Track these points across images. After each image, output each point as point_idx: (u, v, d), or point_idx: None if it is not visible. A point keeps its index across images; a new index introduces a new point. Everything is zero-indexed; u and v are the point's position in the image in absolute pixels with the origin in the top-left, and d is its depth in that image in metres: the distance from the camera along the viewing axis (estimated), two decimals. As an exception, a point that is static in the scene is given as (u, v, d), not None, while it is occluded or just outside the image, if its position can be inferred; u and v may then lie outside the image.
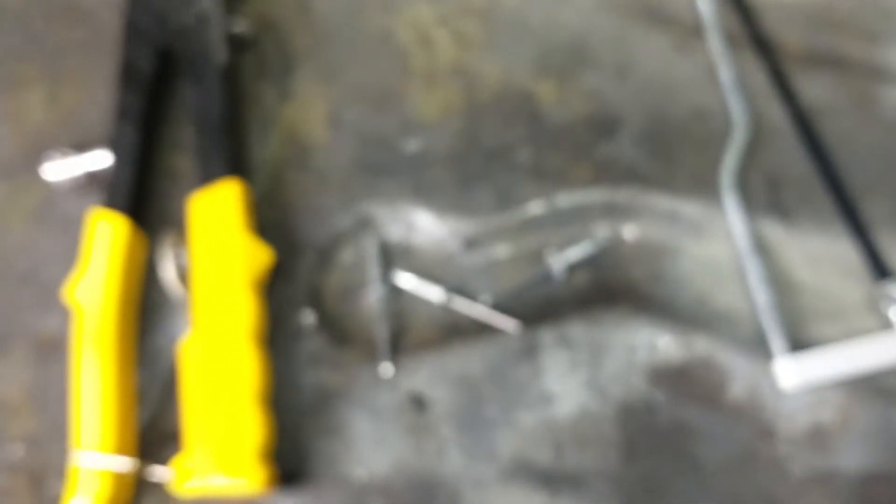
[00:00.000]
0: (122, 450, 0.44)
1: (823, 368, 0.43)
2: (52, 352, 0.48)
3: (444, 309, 0.47)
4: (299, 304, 0.48)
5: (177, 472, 0.43)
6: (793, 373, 0.43)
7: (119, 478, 0.43)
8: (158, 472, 0.44)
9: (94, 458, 0.43)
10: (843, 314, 0.45)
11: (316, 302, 0.48)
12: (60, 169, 0.50)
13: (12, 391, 0.48)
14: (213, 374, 0.44)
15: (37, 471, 0.46)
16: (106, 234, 0.47)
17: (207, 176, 0.48)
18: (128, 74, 0.50)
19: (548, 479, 0.44)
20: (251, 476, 0.42)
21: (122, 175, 0.48)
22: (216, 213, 0.47)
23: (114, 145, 0.49)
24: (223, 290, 0.45)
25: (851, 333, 0.44)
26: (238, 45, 0.52)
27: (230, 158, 0.48)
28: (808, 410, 0.44)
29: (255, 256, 0.46)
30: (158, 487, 0.45)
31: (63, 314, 0.49)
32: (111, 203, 0.48)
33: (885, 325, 0.44)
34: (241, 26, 0.52)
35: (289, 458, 0.45)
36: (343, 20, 0.54)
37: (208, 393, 0.44)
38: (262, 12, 0.54)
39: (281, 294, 0.48)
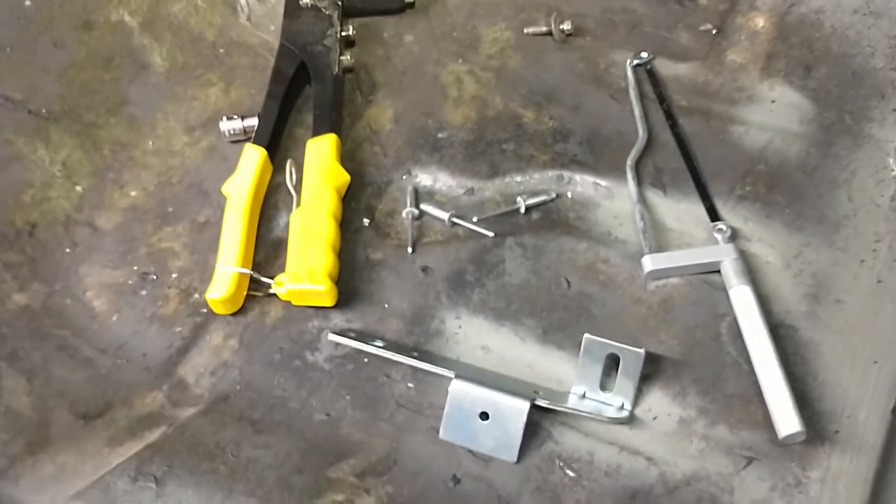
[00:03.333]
0: (245, 266, 0.73)
1: (667, 263, 0.71)
2: (202, 228, 0.78)
3: (449, 224, 0.77)
4: (361, 214, 0.78)
5: (277, 281, 0.72)
6: (651, 264, 0.71)
7: (241, 280, 0.72)
8: (266, 280, 0.73)
9: (228, 267, 0.72)
10: (692, 244, 0.74)
11: (371, 214, 0.78)
12: (227, 124, 0.82)
13: (176, 246, 0.78)
14: (307, 233, 0.73)
15: (184, 288, 0.75)
16: (250, 157, 0.78)
17: (318, 131, 0.80)
18: (276, 74, 0.83)
19: (498, 316, 0.72)
20: (325, 285, 0.71)
21: (264, 127, 0.80)
22: (320, 151, 0.78)
23: (261, 113, 0.81)
24: (319, 189, 0.76)
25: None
26: (344, 68, 0.85)
27: (331, 124, 0.80)
28: (659, 288, 0.72)
29: (339, 175, 0.77)
30: (265, 292, 0.73)
31: (214, 208, 0.79)
32: (256, 141, 0.79)
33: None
34: (347, 58, 0.85)
35: (345, 291, 0.73)
36: (409, 66, 0.87)
37: (303, 242, 0.73)
38: (360, 53, 0.88)
39: (351, 206, 0.78)
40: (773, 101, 0.81)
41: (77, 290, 0.75)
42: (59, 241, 0.77)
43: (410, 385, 0.69)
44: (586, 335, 0.65)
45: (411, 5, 0.90)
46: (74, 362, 0.70)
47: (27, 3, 0.84)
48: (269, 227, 0.78)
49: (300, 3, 0.87)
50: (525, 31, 0.88)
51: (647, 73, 0.84)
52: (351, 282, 0.74)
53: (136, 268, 0.76)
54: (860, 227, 0.73)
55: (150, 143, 0.83)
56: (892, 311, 0.69)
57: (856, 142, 0.78)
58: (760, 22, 0.86)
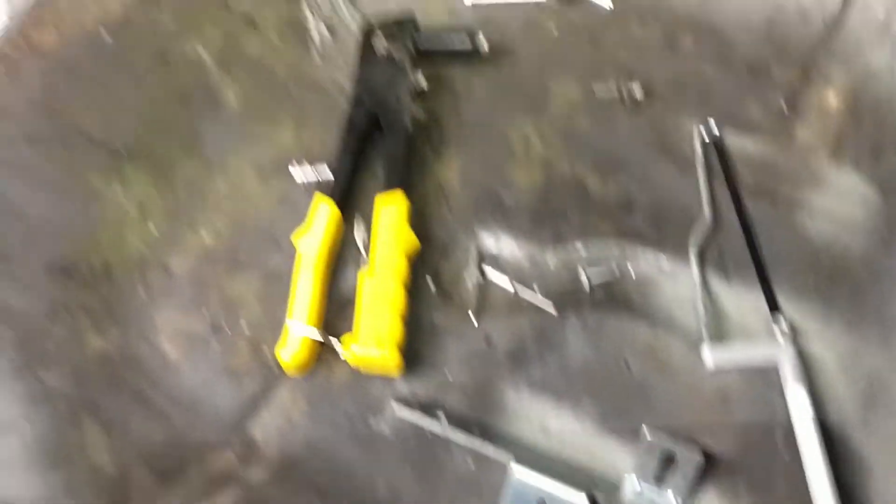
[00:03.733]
0: (315, 325, 0.75)
1: (726, 356, 0.73)
2: (273, 277, 0.81)
3: (512, 292, 0.79)
4: (426, 274, 0.80)
5: (345, 343, 0.74)
6: (710, 356, 0.73)
7: (312, 343, 0.75)
8: (335, 342, 0.75)
9: (299, 325, 0.75)
10: (751, 335, 0.76)
11: (436, 275, 0.80)
12: (299, 170, 0.84)
13: (247, 294, 0.80)
14: (377, 300, 0.75)
15: (255, 342, 0.78)
16: (322, 211, 0.80)
17: (388, 186, 0.81)
18: (349, 125, 0.85)
19: (558, 395, 0.74)
20: (391, 352, 0.73)
21: (336, 180, 0.82)
22: (390, 210, 0.80)
23: (334, 163, 0.83)
24: (390, 254, 0.77)
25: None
26: (415, 121, 0.86)
27: (401, 180, 0.81)
28: (717, 379, 0.74)
29: (410, 240, 0.79)
30: (333, 351, 0.76)
31: (284, 256, 0.81)
32: (328, 193, 0.81)
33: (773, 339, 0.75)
34: (418, 111, 0.86)
35: (409, 356, 0.76)
36: (479, 120, 0.88)
37: (373, 310, 0.75)
38: (431, 107, 0.89)
39: (418, 266, 0.80)
40: (839, 188, 0.82)
41: (151, 335, 0.77)
42: (133, 284, 0.80)
43: (470, 461, 0.72)
44: (645, 428, 0.68)
45: (483, 53, 0.91)
46: (150, 415, 0.73)
47: (107, 39, 0.85)
48: (338, 283, 0.80)
49: (375, 51, 0.88)
50: (595, 92, 0.89)
51: (716, 146, 0.85)
52: (414, 345, 0.77)
53: (207, 315, 0.79)
54: (919, 330, 0.75)
55: (223, 183, 0.85)
56: (945, 422, 0.71)
57: (921, 238, 0.79)
58: (833, 99, 0.87)
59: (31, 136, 0.81)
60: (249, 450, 0.72)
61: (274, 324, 0.78)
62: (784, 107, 0.87)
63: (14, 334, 0.75)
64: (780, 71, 0.89)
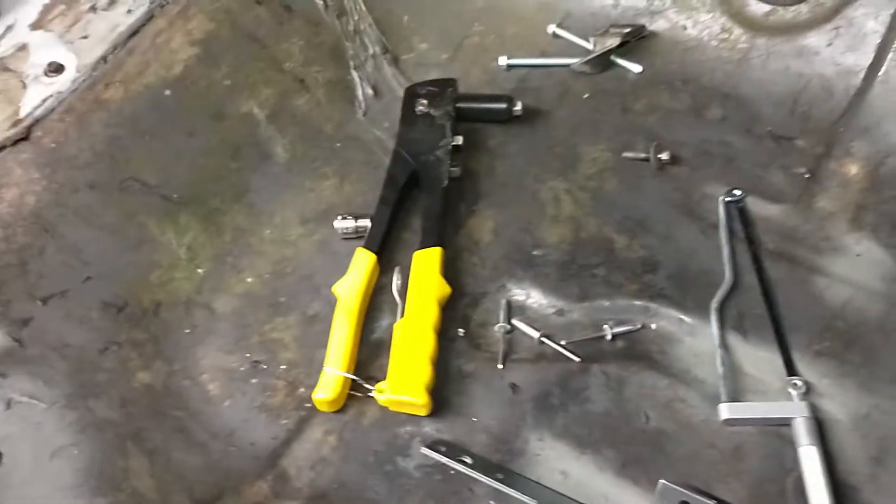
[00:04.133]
0: (349, 370, 0.79)
1: (742, 413, 0.76)
2: (311, 322, 0.85)
3: (538, 343, 0.82)
4: (458, 323, 0.84)
5: (379, 388, 0.78)
6: (727, 413, 0.76)
7: (345, 383, 0.79)
8: (368, 385, 0.79)
9: (334, 370, 0.79)
10: (767, 393, 0.78)
11: (466, 324, 0.84)
12: (341, 223, 0.89)
13: (286, 337, 0.85)
14: (410, 344, 0.80)
15: (291, 381, 0.82)
16: (361, 261, 0.85)
17: (425, 243, 0.86)
18: (389, 180, 0.90)
19: (580, 443, 0.77)
20: (421, 398, 0.77)
21: (376, 231, 0.87)
22: (426, 263, 0.84)
23: (374, 217, 0.88)
24: (423, 302, 0.82)
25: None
26: (452, 178, 0.91)
27: (438, 237, 0.86)
28: (732, 434, 0.76)
29: (442, 288, 0.83)
30: (366, 395, 0.80)
31: (323, 302, 0.85)
32: (367, 245, 0.86)
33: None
34: (456, 169, 0.91)
35: (437, 400, 0.79)
36: (511, 179, 0.93)
37: (405, 351, 0.79)
38: (467, 164, 0.94)
39: (449, 315, 0.84)
40: (858, 255, 0.85)
41: (194, 372, 0.82)
42: (180, 322, 0.84)
43: (493, 503, 0.75)
44: (662, 482, 0.71)
45: (518, 116, 0.96)
46: (190, 445, 0.77)
47: (167, 93, 0.91)
48: (373, 329, 0.84)
49: (416, 110, 0.93)
50: (623, 154, 0.93)
51: (739, 211, 0.89)
52: (443, 390, 0.80)
53: (248, 355, 0.83)
54: (931, 393, 0.77)
55: (268, 231, 0.90)
56: (954, 484, 0.73)
57: (935, 305, 0.82)
58: (853, 170, 0.90)
59: (94, 184, 0.87)
60: (282, 482, 0.76)
61: (310, 366, 0.82)
62: (806, 175, 0.90)
63: (68, 366, 0.79)
64: (804, 141, 0.93)
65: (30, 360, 0.78)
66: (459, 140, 0.92)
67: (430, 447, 0.76)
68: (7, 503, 0.72)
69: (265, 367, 0.83)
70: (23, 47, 0.91)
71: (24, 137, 0.86)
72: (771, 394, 0.78)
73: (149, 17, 0.93)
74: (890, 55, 0.92)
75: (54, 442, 0.75)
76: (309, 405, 0.80)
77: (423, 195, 0.89)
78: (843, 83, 0.94)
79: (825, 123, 0.93)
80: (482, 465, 0.75)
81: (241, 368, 0.83)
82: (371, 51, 1.01)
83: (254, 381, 0.82)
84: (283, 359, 0.83)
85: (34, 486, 0.72)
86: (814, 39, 0.96)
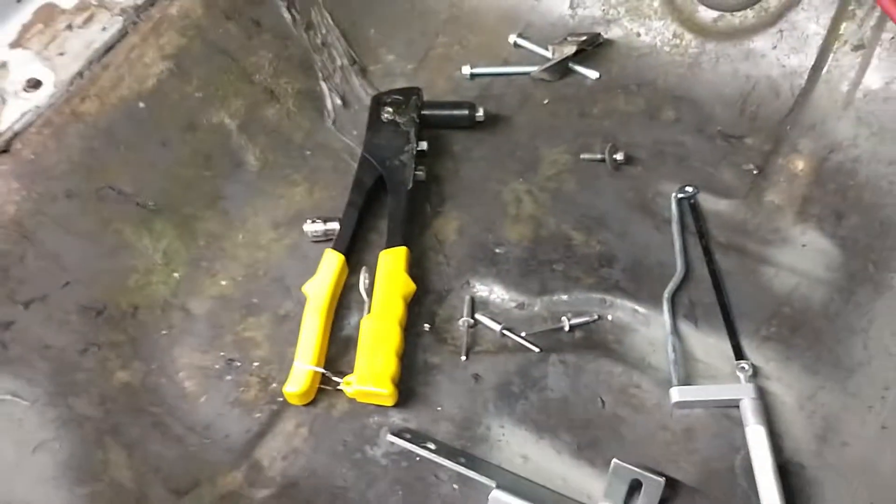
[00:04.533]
0: (318, 365, 0.83)
1: (692, 396, 0.80)
2: (283, 321, 0.89)
3: (500, 336, 0.86)
4: (424, 319, 0.88)
5: (346, 381, 0.82)
6: (678, 396, 0.80)
7: (315, 377, 0.82)
8: (336, 378, 0.83)
9: (304, 365, 0.82)
10: (717, 377, 0.82)
11: (432, 320, 0.88)
12: (310, 226, 0.92)
13: (258, 336, 0.88)
14: (376, 339, 0.83)
15: (264, 377, 0.86)
16: (330, 261, 0.88)
17: (391, 243, 0.89)
18: (356, 184, 0.94)
19: (539, 428, 0.80)
20: (387, 388, 0.80)
21: (343, 233, 0.91)
22: (392, 261, 0.88)
23: (342, 219, 0.92)
24: (389, 298, 0.85)
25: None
26: (417, 181, 0.95)
27: (403, 237, 0.90)
28: (683, 416, 0.80)
29: (407, 285, 0.87)
30: (334, 388, 0.83)
31: (293, 302, 0.89)
32: (335, 246, 0.89)
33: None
34: (420, 173, 0.95)
35: (403, 391, 0.83)
36: (475, 182, 0.97)
37: (372, 347, 0.83)
38: (432, 169, 0.98)
39: (416, 311, 0.88)
40: (803, 245, 0.89)
41: (171, 370, 0.85)
42: (157, 324, 0.88)
43: (456, 487, 0.78)
44: (615, 460, 0.74)
45: (481, 122, 1.00)
46: (167, 439, 0.81)
47: (141, 105, 0.95)
48: (341, 326, 0.88)
49: (382, 117, 0.97)
50: (581, 156, 0.97)
51: (691, 207, 0.93)
52: (409, 382, 0.84)
53: (222, 353, 0.87)
54: (872, 374, 0.81)
55: (241, 236, 0.94)
56: (894, 458, 0.77)
57: (877, 291, 0.85)
58: (800, 165, 0.94)
59: (71, 193, 0.90)
60: (255, 472, 0.79)
61: (282, 362, 0.86)
62: (755, 171, 0.95)
63: (48, 366, 0.83)
64: (753, 139, 0.97)
65: (12, 360, 0.81)
66: (424, 145, 0.96)
67: (395, 435, 0.80)
68: (-9, 496, 0.76)
69: (239, 364, 0.86)
70: (2, 65, 0.95)
71: (5, 150, 0.90)
72: (721, 378, 0.82)
73: (122, 34, 0.96)
74: (831, 56, 0.97)
75: (36, 437, 0.78)
76: (281, 399, 0.83)
77: (390, 198, 0.93)
78: (789, 83, 0.99)
79: (772, 122, 0.97)
80: (446, 450, 0.79)
81: (216, 366, 0.86)
82: (339, 62, 1.06)
83: (228, 377, 0.85)
84: (256, 356, 0.87)
85: (17, 478, 0.76)
86: (760, 43, 1.01)
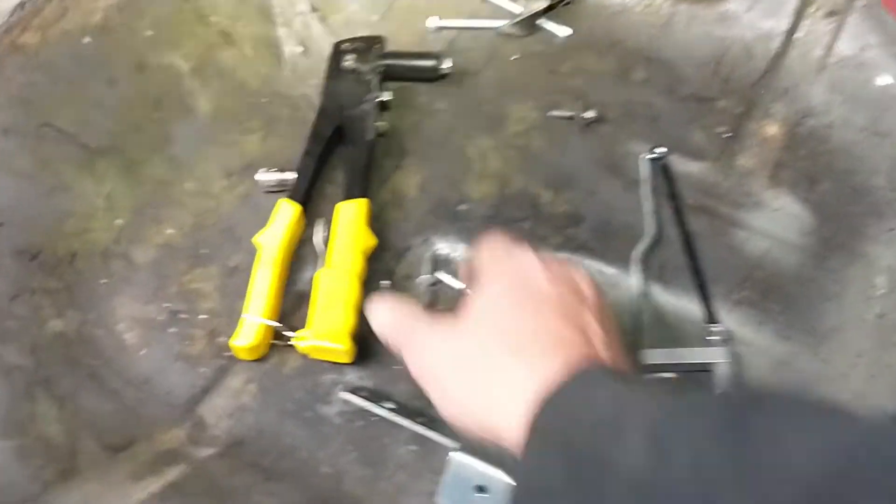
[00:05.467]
0: (270, 318, 0.78)
1: (663, 360, 0.77)
2: (232, 273, 0.84)
3: (462, 292, 0.82)
4: (382, 276, 0.83)
5: (300, 335, 0.77)
6: (647, 359, 0.77)
7: (266, 331, 0.77)
8: (289, 333, 0.78)
9: (255, 318, 0.77)
10: (688, 341, 0.79)
11: (390, 277, 0.83)
12: (264, 175, 0.87)
13: (206, 287, 0.83)
14: (333, 292, 0.78)
15: (211, 330, 0.80)
16: (285, 211, 0.83)
17: (349, 195, 0.85)
18: (314, 134, 0.89)
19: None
20: (345, 345, 0.76)
21: (299, 184, 0.86)
22: (351, 214, 0.83)
23: (298, 170, 0.87)
24: (348, 251, 0.81)
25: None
26: (378, 133, 0.90)
27: (363, 188, 0.85)
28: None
29: (368, 239, 0.82)
30: (286, 342, 0.78)
31: (244, 254, 0.84)
32: (291, 196, 0.84)
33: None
34: (382, 124, 0.91)
35: (360, 349, 0.78)
36: (438, 137, 0.93)
37: (328, 301, 0.78)
38: (395, 122, 0.93)
39: (374, 267, 0.83)
40: (776, 210, 0.86)
41: (110, 321, 0.80)
42: (96, 272, 0.82)
43: (413, 448, 0.74)
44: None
45: (447, 76, 0.96)
46: (103, 392, 0.75)
47: (86, 40, 0.89)
48: (294, 280, 0.83)
49: (342, 65, 0.93)
50: (550, 113, 0.94)
51: (661, 168, 0.90)
52: (367, 339, 0.79)
53: (166, 305, 0.81)
54: (845, 341, 0.79)
55: (189, 184, 0.88)
56: (865, 425, 0.75)
57: (849, 257, 0.83)
58: (772, 130, 0.92)
59: (7, 129, 0.84)
60: (199, 430, 0.74)
61: (231, 315, 0.80)
62: (727, 134, 0.92)
63: (-24, 313, 0.77)
64: (725, 102, 0.94)
65: (-65, 304, 0.75)
66: (386, 96, 0.92)
67: (351, 392, 0.75)
68: None
69: (184, 316, 0.81)
70: (-64, -7, 0.88)
71: (-64, 81, 0.83)
72: (692, 342, 0.79)
73: (69, -36, 0.90)
74: (806, 21, 0.95)
75: (-41, 387, 0.72)
76: (228, 354, 0.78)
77: (349, 149, 0.88)
78: (763, 47, 0.96)
79: (745, 85, 0.95)
80: (404, 409, 0.75)
81: (159, 318, 0.81)
82: (299, 8, 1.00)
83: (172, 330, 0.80)
84: (203, 308, 0.81)
85: (-64, 430, 0.70)
86: (734, 5, 0.98)
